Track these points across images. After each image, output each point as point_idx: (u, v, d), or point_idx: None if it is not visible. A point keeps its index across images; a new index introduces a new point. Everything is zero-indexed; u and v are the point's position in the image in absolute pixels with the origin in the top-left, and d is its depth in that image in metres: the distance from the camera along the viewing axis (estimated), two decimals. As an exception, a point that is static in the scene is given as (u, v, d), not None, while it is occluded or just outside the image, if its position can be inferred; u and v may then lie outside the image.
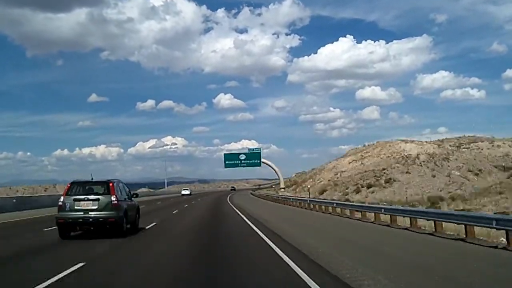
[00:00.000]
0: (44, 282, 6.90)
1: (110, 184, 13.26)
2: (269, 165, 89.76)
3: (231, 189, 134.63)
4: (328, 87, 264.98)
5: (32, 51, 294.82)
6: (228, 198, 54.53)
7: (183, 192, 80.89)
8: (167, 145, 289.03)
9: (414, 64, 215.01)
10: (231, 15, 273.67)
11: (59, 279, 7.21)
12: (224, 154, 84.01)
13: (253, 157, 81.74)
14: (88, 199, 12.83)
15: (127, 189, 15.18)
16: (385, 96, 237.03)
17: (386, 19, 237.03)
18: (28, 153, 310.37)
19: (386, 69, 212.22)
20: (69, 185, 13.53)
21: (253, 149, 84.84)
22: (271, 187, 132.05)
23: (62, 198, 13.01)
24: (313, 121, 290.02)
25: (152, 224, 17.41)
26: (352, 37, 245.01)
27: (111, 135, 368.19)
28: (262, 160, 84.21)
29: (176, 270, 8.27)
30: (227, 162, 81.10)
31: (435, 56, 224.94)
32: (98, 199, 12.83)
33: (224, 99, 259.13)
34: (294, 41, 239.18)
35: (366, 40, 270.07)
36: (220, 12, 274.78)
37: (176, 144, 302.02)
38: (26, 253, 10.59)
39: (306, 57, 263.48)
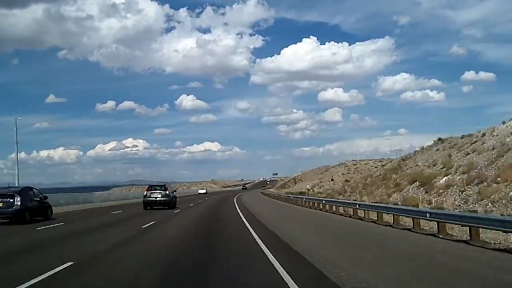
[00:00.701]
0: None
1: (166, 186, 28.58)
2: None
3: (243, 188, 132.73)
4: (291, 88, 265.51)
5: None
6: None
7: (200, 191, 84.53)
8: (128, 147, 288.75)
9: (376, 66, 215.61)
10: (194, 14, 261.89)
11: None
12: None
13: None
14: (156, 192, 27.43)
15: (173, 188, 28.91)
16: (348, 98, 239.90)
17: (349, 22, 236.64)
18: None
19: (349, 70, 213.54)
20: (147, 187, 29.35)
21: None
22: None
23: (145, 192, 28.03)
24: (276, 123, 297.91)
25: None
26: (315, 38, 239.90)
27: (70, 137, 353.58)
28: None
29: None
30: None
31: (396, 58, 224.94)
32: (160, 192, 27.42)
33: (187, 100, 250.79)
34: (258, 41, 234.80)
35: (329, 42, 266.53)
36: (183, 11, 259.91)
37: (137, 146, 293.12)
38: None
39: (269, 58, 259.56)
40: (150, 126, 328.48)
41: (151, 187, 28.49)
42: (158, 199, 27.19)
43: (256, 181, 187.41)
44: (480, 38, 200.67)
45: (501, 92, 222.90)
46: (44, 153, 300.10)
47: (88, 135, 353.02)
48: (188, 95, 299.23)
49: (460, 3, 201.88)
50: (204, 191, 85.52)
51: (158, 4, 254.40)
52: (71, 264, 7.66)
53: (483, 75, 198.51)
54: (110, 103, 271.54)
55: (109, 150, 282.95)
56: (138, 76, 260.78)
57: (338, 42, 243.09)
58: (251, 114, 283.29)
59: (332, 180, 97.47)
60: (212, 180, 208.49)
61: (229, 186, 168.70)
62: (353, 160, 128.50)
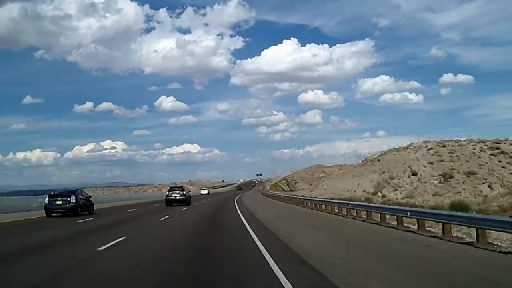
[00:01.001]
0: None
1: (183, 187, 37.92)
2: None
3: (238, 189, 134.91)
4: (271, 90, 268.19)
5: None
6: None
7: (202, 192, 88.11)
8: (106, 149, 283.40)
9: (356, 68, 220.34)
10: (174, 14, 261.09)
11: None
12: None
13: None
14: (175, 192, 35.27)
15: (189, 190, 36.84)
16: (328, 100, 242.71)
17: (330, 25, 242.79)
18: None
19: (329, 72, 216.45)
20: (168, 188, 38.76)
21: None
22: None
23: (167, 193, 36.10)
24: (256, 125, 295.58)
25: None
26: (296, 40, 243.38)
27: (47, 139, 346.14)
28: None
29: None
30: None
31: (376, 61, 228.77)
32: (179, 193, 35.28)
33: (166, 102, 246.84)
34: (238, 43, 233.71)
35: (310, 44, 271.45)
36: (163, 12, 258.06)
37: (115, 148, 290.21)
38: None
39: (249, 59, 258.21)
40: (129, 127, 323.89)
41: (172, 189, 36.88)
42: (177, 197, 34.65)
43: (238, 183, 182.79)
44: (458, 41, 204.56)
45: (480, 94, 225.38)
46: (20, 155, 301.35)
47: (66, 136, 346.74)
48: (167, 96, 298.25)
49: (439, 7, 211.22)
50: (206, 192, 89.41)
51: (138, 4, 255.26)
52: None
53: (461, 77, 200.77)
54: (88, 104, 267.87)
55: (87, 151, 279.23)
56: (117, 77, 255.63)
57: (318, 44, 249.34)
58: (231, 115, 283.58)
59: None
60: (190, 181, 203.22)
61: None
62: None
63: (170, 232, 15.04)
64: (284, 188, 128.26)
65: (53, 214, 21.88)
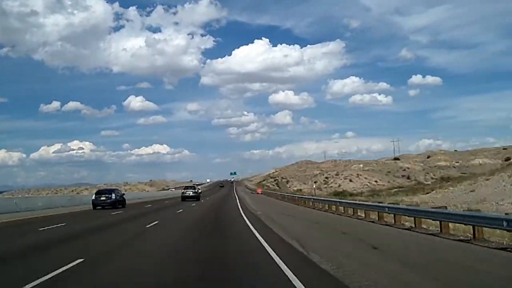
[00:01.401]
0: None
1: (195, 186, 56.40)
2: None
3: (220, 186, 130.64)
4: (242, 90, 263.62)
5: None
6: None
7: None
8: (73, 149, 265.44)
9: (327, 69, 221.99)
10: (144, 13, 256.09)
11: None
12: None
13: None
14: (188, 190, 47.95)
15: (199, 188, 47.20)
16: (298, 100, 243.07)
17: (301, 26, 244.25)
18: None
19: (300, 73, 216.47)
20: (184, 186, 55.51)
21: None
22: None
23: (183, 190, 48.65)
24: (227, 125, 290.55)
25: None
26: (268, 40, 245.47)
27: (13, 139, 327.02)
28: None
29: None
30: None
31: (346, 62, 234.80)
32: (191, 191, 48.30)
33: (135, 101, 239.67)
34: (209, 42, 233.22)
35: (281, 44, 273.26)
36: (132, 10, 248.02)
37: (83, 148, 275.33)
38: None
39: (220, 59, 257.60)
40: (97, 128, 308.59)
41: (186, 188, 50.48)
42: (190, 194, 46.28)
43: (210, 182, 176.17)
44: (427, 43, 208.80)
45: (448, 96, 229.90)
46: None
47: (32, 137, 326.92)
48: (136, 96, 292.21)
49: (408, 10, 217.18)
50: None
51: (107, 2, 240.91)
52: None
53: (430, 79, 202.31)
54: (55, 104, 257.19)
55: (53, 152, 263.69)
56: (84, 76, 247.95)
57: (290, 45, 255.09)
58: (201, 116, 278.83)
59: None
60: (151, 180, 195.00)
61: (170, 189, 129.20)
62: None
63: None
64: (273, 187, 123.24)
65: (97, 207, 29.11)
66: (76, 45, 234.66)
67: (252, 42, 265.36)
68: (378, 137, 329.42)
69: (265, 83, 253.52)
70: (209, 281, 7.27)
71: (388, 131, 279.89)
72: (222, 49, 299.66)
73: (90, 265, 8.55)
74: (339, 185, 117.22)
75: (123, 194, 32.93)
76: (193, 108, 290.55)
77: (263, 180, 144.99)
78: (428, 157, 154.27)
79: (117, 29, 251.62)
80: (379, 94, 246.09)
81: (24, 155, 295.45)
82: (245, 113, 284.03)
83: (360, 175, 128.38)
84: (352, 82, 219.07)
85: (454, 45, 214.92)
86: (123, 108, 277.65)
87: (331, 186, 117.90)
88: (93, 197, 29.76)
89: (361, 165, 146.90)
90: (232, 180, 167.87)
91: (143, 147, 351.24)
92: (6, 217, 22.14)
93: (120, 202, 30.80)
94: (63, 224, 18.41)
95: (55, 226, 17.59)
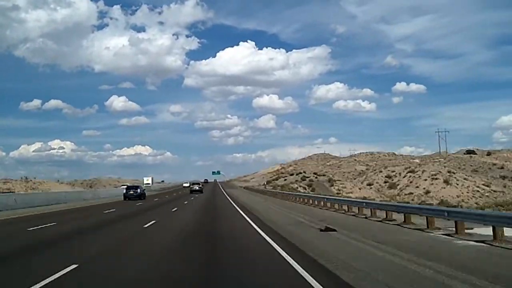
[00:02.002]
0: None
1: (199, 181, 79.79)
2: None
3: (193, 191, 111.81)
4: (226, 93, 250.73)
5: None
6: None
7: (184, 184, 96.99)
8: (54, 148, 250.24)
9: (311, 73, 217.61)
10: (129, 11, 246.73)
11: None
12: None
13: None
14: (195, 186, 65.84)
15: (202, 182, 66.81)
16: (282, 104, 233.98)
17: (287, 32, 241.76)
18: None
19: (285, 76, 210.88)
20: (191, 182, 77.33)
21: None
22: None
23: (191, 186, 68.01)
24: (210, 128, 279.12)
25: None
26: (253, 43, 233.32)
27: None
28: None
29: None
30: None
31: (331, 67, 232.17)
32: (197, 185, 66.70)
33: (118, 101, 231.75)
34: (194, 43, 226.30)
35: (267, 47, 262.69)
36: (117, 8, 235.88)
37: (64, 148, 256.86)
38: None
39: (204, 60, 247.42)
40: (79, 127, 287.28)
41: (192, 183, 70.07)
42: (196, 188, 62.71)
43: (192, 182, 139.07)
44: (411, 52, 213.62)
45: (430, 105, 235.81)
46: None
47: (13, 135, 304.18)
48: (119, 96, 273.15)
49: (394, 19, 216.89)
50: (187, 184, 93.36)
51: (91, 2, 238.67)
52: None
53: (414, 87, 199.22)
54: (36, 102, 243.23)
55: (33, 151, 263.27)
56: (66, 74, 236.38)
57: (275, 48, 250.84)
58: (184, 118, 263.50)
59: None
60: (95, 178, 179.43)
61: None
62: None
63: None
64: (299, 187, 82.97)
65: (127, 199, 39.09)
66: (58, 42, 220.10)
67: (238, 44, 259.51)
68: (360, 143, 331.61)
69: (249, 86, 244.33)
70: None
71: (370, 138, 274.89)
72: (207, 51, 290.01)
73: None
74: (428, 191, 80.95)
75: (144, 189, 43.11)
76: (176, 110, 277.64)
77: (275, 178, 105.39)
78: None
79: (100, 27, 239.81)
80: (363, 101, 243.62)
81: (3, 153, 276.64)
82: (229, 116, 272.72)
83: (453, 175, 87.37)
84: (336, 88, 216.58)
85: (438, 54, 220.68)
86: (105, 108, 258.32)
87: (410, 192, 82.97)
88: (124, 191, 39.87)
89: (416, 160, 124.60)
90: (213, 180, 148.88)
91: (125, 148, 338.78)
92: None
93: (143, 195, 40.78)
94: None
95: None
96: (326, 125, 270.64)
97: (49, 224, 17.54)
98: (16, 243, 12.31)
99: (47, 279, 7.03)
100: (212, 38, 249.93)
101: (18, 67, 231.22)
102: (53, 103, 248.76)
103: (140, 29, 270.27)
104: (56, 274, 7.36)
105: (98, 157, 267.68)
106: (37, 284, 6.68)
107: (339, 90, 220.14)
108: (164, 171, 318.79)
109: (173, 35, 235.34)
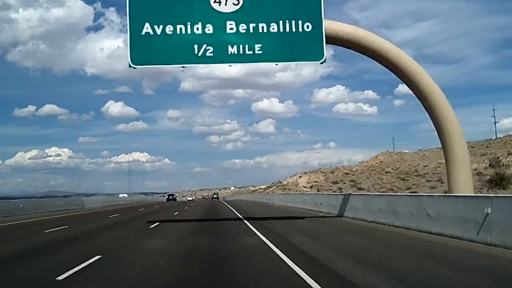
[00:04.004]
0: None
1: (216, 192, 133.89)
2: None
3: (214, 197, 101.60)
4: (225, 97, 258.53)
5: None
6: None
7: (188, 198, 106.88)
8: (50, 156, 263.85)
9: (312, 76, 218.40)
10: (123, 12, 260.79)
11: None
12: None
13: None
14: (215, 195, 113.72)
15: (218, 193, 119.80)
16: (283, 108, 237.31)
17: None
18: None
19: (286, 79, 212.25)
20: (213, 193, 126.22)
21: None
22: None
23: (212, 195, 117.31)
24: (208, 133, 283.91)
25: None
26: None
27: None
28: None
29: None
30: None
31: (333, 70, 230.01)
32: (215, 195, 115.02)
33: (115, 107, 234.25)
34: None
35: None
36: (112, 10, 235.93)
37: (60, 155, 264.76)
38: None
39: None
40: (76, 134, 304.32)
41: (213, 194, 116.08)
42: (215, 197, 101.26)
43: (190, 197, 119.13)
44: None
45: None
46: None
47: (9, 142, 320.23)
48: (116, 101, 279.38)
49: (396, 24, 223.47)
50: (191, 198, 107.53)
51: (86, 3, 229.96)
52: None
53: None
54: (31, 108, 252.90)
55: (29, 158, 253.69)
56: (61, 78, 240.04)
57: None
58: (182, 124, 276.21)
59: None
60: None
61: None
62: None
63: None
64: None
65: (167, 201, 68.19)
66: (52, 45, 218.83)
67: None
68: (359, 148, 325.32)
69: (249, 89, 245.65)
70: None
71: (369, 143, 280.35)
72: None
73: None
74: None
75: (176, 196, 73.81)
76: (174, 115, 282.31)
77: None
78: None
79: (96, 29, 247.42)
80: (364, 104, 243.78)
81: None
82: (228, 121, 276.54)
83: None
84: (337, 90, 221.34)
85: (438, 59, 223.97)
86: (102, 114, 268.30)
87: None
88: (166, 197, 70.35)
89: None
90: (216, 196, 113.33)
91: (123, 154, 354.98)
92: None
93: (175, 199, 70.73)
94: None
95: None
96: (326, 130, 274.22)
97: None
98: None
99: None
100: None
101: (10, 72, 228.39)
102: (49, 109, 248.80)
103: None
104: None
105: (96, 164, 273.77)
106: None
107: (339, 92, 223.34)
108: (161, 178, 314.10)
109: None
